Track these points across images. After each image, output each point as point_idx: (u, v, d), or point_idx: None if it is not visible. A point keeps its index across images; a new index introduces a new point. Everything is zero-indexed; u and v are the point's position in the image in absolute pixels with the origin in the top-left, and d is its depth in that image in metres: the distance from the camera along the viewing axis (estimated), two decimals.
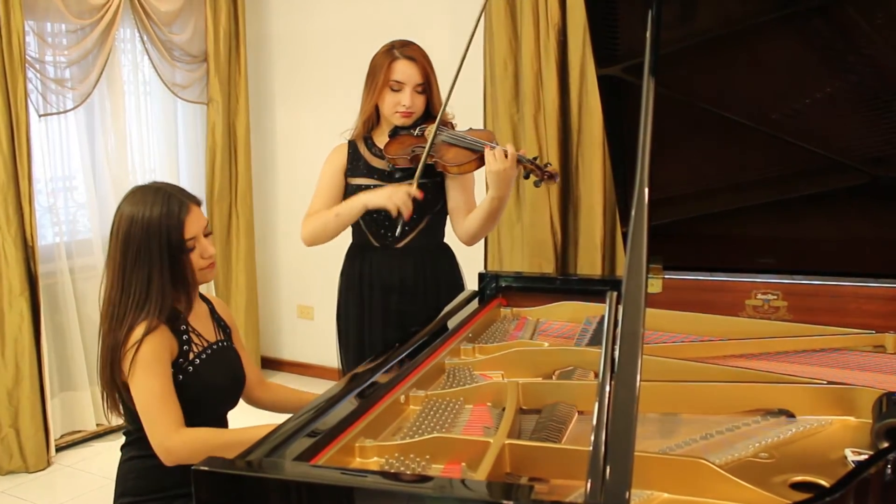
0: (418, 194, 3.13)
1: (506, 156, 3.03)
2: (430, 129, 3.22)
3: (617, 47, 2.62)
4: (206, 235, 2.54)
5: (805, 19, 2.41)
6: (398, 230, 3.17)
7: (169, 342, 2.43)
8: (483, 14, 3.23)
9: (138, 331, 2.38)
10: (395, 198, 3.11)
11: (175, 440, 2.33)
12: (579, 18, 4.41)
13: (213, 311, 2.71)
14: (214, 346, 2.59)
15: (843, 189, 2.78)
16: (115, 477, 2.55)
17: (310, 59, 5.91)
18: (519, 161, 3.08)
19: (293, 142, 6.10)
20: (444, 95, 3.31)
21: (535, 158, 3.10)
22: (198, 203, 2.54)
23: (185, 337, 2.49)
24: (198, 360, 2.50)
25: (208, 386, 2.51)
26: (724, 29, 2.48)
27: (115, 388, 2.44)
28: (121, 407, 2.48)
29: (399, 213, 3.11)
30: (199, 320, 2.60)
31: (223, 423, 2.66)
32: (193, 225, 2.48)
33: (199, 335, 2.55)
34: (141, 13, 5.15)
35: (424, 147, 3.19)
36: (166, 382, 2.38)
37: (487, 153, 3.05)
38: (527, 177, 3.12)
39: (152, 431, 2.36)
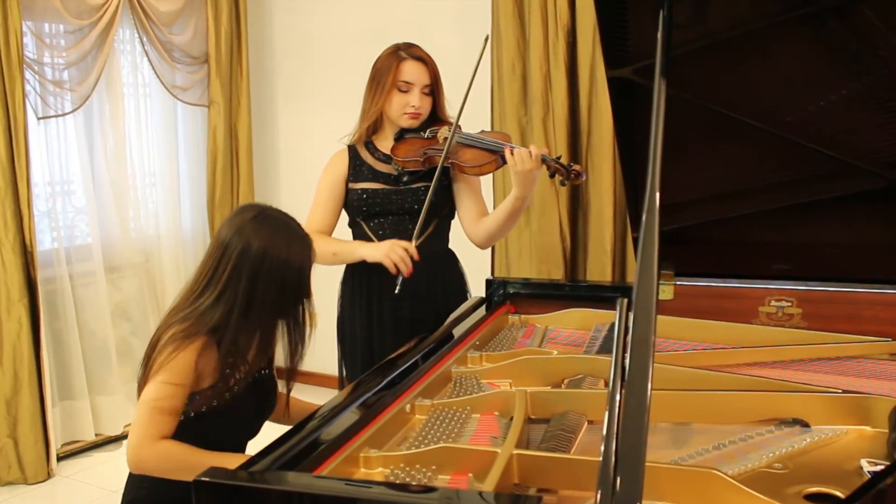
0: (416, 255, 3.12)
1: (531, 156, 3.04)
2: (443, 131, 3.24)
3: (627, 48, 2.62)
4: None
5: (820, 20, 2.41)
6: (397, 288, 3.12)
7: (206, 368, 2.38)
8: (485, 46, 3.23)
9: (197, 343, 2.34)
10: (393, 255, 3.11)
11: (150, 450, 2.29)
12: (589, 19, 4.41)
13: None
14: (256, 375, 2.54)
15: (859, 193, 2.77)
16: (115, 488, 2.55)
17: (313, 61, 5.93)
18: (544, 160, 3.10)
19: (296, 145, 6.11)
20: (447, 97, 3.33)
21: (559, 158, 3.12)
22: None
23: (230, 360, 2.41)
24: (236, 388, 2.45)
25: (237, 417, 2.47)
26: (737, 30, 2.48)
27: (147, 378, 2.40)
28: None
29: (398, 270, 3.11)
30: (252, 346, 2.53)
31: (242, 448, 2.59)
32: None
33: (246, 363, 2.48)
34: (140, 13, 5.16)
35: (437, 149, 3.20)
36: (176, 399, 2.33)
37: (512, 154, 3.06)
38: (552, 176, 3.15)
39: (134, 432, 2.32)
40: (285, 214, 2.50)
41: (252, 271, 2.35)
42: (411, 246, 3.11)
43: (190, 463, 2.24)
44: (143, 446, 2.31)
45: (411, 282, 3.19)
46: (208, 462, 2.16)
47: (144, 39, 5.27)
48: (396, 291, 3.11)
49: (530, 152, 3.05)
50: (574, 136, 4.60)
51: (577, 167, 3.12)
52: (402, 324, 3.29)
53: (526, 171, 3.06)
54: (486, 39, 3.23)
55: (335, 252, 3.28)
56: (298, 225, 2.49)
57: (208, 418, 2.40)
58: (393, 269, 3.11)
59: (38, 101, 4.73)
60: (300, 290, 2.42)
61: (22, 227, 4.55)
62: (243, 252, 2.35)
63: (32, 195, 4.63)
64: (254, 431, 2.61)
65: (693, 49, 2.51)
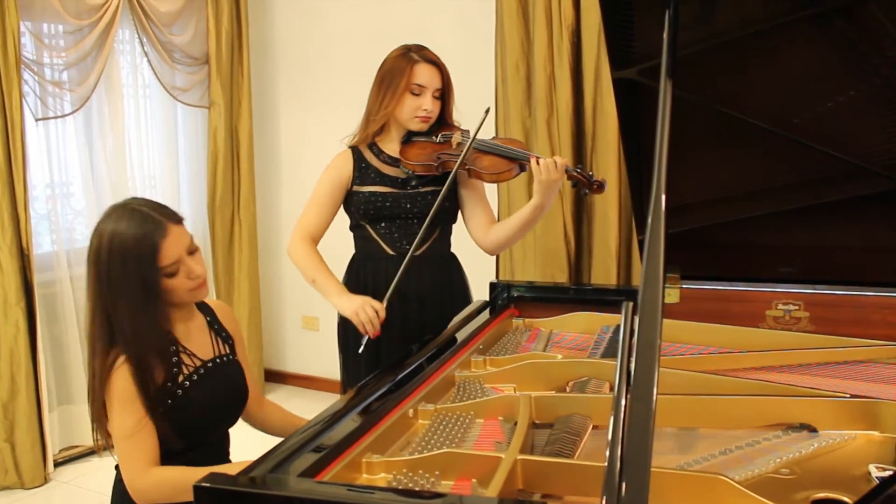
0: (383, 317, 3.07)
1: (556, 166, 3.06)
2: (457, 136, 3.24)
3: (633, 49, 2.63)
4: (191, 254, 2.42)
5: (827, 20, 2.42)
6: (361, 348, 3.09)
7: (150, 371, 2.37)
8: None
9: (119, 364, 2.31)
10: (362, 314, 3.07)
11: (145, 481, 2.31)
12: (594, 19, 4.41)
13: (212, 322, 2.63)
14: (209, 364, 2.52)
15: (867, 196, 2.77)
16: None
17: (315, 61, 5.93)
18: (566, 171, 3.12)
19: (298, 147, 6.12)
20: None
21: (580, 168, 3.13)
22: (178, 221, 2.41)
23: (174, 359, 2.42)
24: (188, 383, 2.42)
25: (202, 407, 2.45)
26: (744, 30, 2.49)
27: (104, 415, 2.39)
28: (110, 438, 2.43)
29: (366, 331, 3.08)
30: (193, 337, 2.52)
31: (223, 441, 2.62)
32: (173, 248, 2.35)
33: (191, 355, 2.47)
34: (140, 14, 5.17)
35: (452, 154, 3.21)
36: (139, 418, 2.31)
37: (538, 163, 3.07)
38: (574, 186, 3.17)
39: (124, 469, 2.34)
40: (135, 200, 2.43)
41: (99, 263, 2.33)
42: (381, 308, 3.07)
43: (188, 483, 2.22)
44: (137, 480, 2.32)
45: (417, 285, 3.19)
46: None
47: (144, 40, 5.28)
48: (360, 351, 3.10)
49: (556, 162, 3.06)
50: (579, 138, 4.60)
51: (599, 178, 3.13)
52: (409, 327, 3.29)
53: (551, 181, 3.07)
54: (487, 112, 3.21)
55: (315, 280, 3.28)
56: (148, 205, 2.40)
57: (175, 416, 2.39)
58: (361, 330, 3.08)
59: (36, 102, 4.74)
60: (147, 276, 2.32)
61: (19, 229, 4.55)
62: (94, 251, 2.35)
63: (30, 197, 4.65)
64: (230, 419, 2.61)
65: (699, 50, 2.52)
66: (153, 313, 2.36)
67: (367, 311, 3.05)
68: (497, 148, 3.20)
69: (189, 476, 2.27)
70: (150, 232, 2.31)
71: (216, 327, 2.63)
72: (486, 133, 3.21)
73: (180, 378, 2.42)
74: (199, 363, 2.49)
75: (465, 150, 3.15)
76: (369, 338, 3.07)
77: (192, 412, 2.42)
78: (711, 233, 3.00)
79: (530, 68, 4.67)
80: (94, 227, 2.36)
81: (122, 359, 2.32)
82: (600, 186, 3.13)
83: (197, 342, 2.53)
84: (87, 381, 2.42)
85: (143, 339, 2.34)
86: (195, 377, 2.46)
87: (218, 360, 2.56)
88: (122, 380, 2.31)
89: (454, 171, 3.14)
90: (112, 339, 2.34)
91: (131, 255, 2.29)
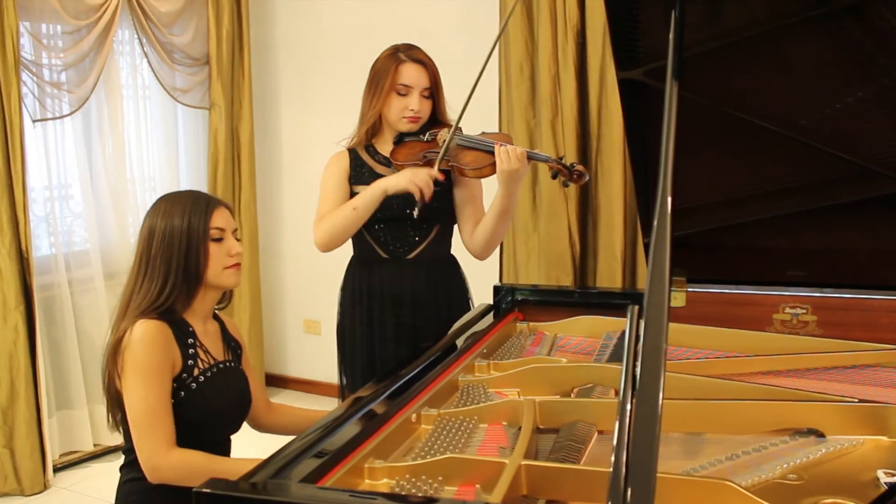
0: (440, 176, 3.14)
1: (516, 154, 3.06)
2: (443, 134, 3.24)
3: (638, 50, 2.63)
4: (234, 235, 2.58)
5: (836, 20, 2.41)
6: (416, 211, 3.15)
7: (172, 353, 2.43)
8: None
9: (139, 327, 2.40)
10: (417, 179, 3.12)
11: (165, 460, 2.33)
12: (599, 19, 4.42)
13: (223, 330, 2.70)
14: (221, 366, 2.58)
15: (875, 198, 2.77)
16: (113, 499, 2.55)
17: (317, 62, 5.94)
18: (531, 158, 3.12)
19: (299, 149, 6.12)
20: (451, 98, 3.34)
21: (561, 158, 3.12)
22: (229, 207, 2.59)
23: (191, 351, 2.49)
24: (202, 378, 2.49)
25: (211, 406, 2.49)
26: (751, 30, 2.49)
27: (116, 400, 2.44)
28: (122, 425, 2.48)
29: (421, 195, 3.12)
30: (209, 338, 2.60)
31: (225, 447, 2.64)
32: (223, 217, 2.54)
33: (206, 352, 2.54)
34: (140, 14, 5.18)
35: (437, 151, 3.21)
36: (163, 395, 2.38)
37: (498, 151, 3.07)
38: (555, 177, 3.15)
39: (141, 445, 2.36)
40: (179, 191, 2.66)
41: (148, 230, 2.50)
42: (433, 170, 3.14)
43: (209, 469, 2.24)
44: (157, 456, 2.34)
45: (412, 288, 3.20)
46: (227, 468, 2.25)
47: (144, 40, 5.29)
48: (417, 215, 3.16)
49: (516, 150, 3.07)
50: (584, 139, 4.61)
51: (579, 167, 3.11)
52: (404, 331, 3.30)
53: (511, 170, 3.07)
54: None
55: (355, 206, 3.23)
56: (192, 192, 2.61)
57: (183, 411, 2.43)
58: (417, 194, 3.12)
59: (35, 103, 4.75)
60: (193, 228, 2.48)
61: (18, 232, 4.56)
62: (145, 222, 2.53)
63: (29, 200, 4.65)
64: (234, 426, 2.65)
65: (705, 50, 2.52)
66: (190, 273, 2.49)
67: (420, 177, 3.13)
68: (479, 143, 3.20)
69: (212, 464, 2.32)
70: (206, 198, 2.56)
71: (226, 336, 2.70)
72: (491, 129, 3.21)
73: (195, 371, 2.48)
74: (213, 361, 2.56)
75: (444, 146, 3.17)
76: (425, 202, 3.14)
77: (200, 410, 2.46)
78: (718, 236, 3.00)
79: (534, 69, 4.68)
80: (145, 219, 2.55)
81: (153, 322, 2.42)
82: (580, 176, 3.09)
83: (211, 343, 2.60)
84: (103, 360, 2.49)
85: (178, 299, 2.50)
86: (209, 374, 2.52)
87: (228, 364, 2.62)
88: (146, 351, 2.37)
89: (436, 166, 3.15)
90: (142, 300, 2.47)
91: (181, 214, 2.48)
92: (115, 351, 2.42)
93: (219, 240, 2.51)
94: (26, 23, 4.69)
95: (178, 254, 2.45)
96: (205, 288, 2.54)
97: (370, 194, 3.21)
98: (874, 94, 2.55)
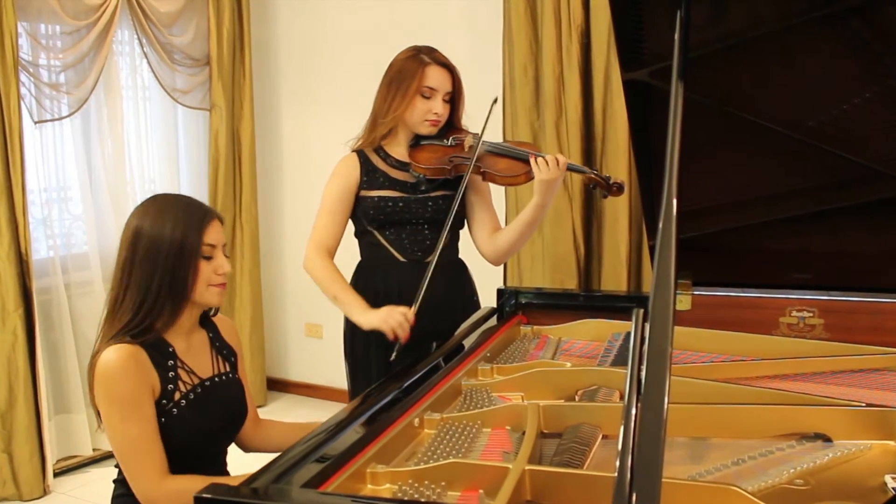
0: (412, 321, 3.07)
1: (557, 164, 3.08)
2: (469, 139, 3.24)
3: (643, 50, 2.63)
4: (224, 253, 2.48)
5: (842, 20, 2.41)
6: (393, 355, 3.09)
7: (149, 379, 2.34)
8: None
9: (109, 354, 2.31)
10: (391, 321, 3.07)
11: (161, 492, 2.29)
12: (603, 20, 4.42)
13: (214, 339, 2.62)
14: (207, 383, 2.49)
15: (883, 200, 2.77)
16: None
17: (319, 63, 5.94)
18: (571, 169, 3.16)
19: (301, 150, 6.13)
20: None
21: (594, 169, 3.15)
22: (221, 219, 2.49)
23: (170, 374, 2.39)
24: (184, 402, 2.40)
25: (195, 429, 2.42)
26: (757, 31, 2.49)
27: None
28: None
29: (396, 337, 3.07)
30: (194, 353, 2.51)
31: (218, 461, 2.60)
32: (215, 233, 2.42)
33: (189, 372, 2.45)
34: (139, 14, 5.18)
35: (465, 157, 3.21)
36: (144, 426, 2.30)
37: (537, 161, 3.10)
38: (593, 188, 3.20)
39: (134, 481, 2.31)
40: (170, 195, 2.53)
41: (134, 235, 2.39)
42: (410, 312, 3.08)
43: None
44: (151, 490, 2.30)
45: (429, 293, 3.19)
46: None
47: (144, 41, 5.29)
48: (392, 359, 3.09)
49: (556, 160, 3.08)
50: (588, 141, 4.60)
51: (618, 180, 3.14)
52: (420, 337, 3.28)
53: (551, 179, 3.09)
54: (495, 101, 3.24)
55: (336, 297, 3.26)
56: (183, 199, 2.48)
57: (166, 436, 2.36)
58: (391, 336, 3.08)
59: (33, 104, 4.75)
60: (185, 243, 2.37)
61: (17, 235, 4.56)
62: (130, 226, 2.41)
63: (28, 202, 4.65)
64: (225, 441, 2.60)
65: (711, 51, 2.52)
66: (175, 290, 2.39)
67: (395, 317, 3.06)
68: (511, 150, 3.22)
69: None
70: (200, 208, 2.43)
71: (218, 345, 2.62)
72: (495, 132, 3.22)
73: (176, 395, 2.40)
74: (196, 381, 2.47)
75: (476, 150, 3.17)
76: (400, 344, 3.07)
77: (184, 434, 2.40)
78: (724, 238, 3.00)
79: (539, 70, 4.68)
80: (133, 211, 2.45)
81: (128, 347, 2.32)
82: (619, 188, 3.14)
83: (196, 359, 2.51)
84: (89, 363, 2.41)
85: (158, 316, 2.39)
86: (192, 396, 2.43)
87: (217, 379, 2.55)
88: (118, 380, 2.29)
89: (467, 173, 3.15)
90: (122, 317, 2.38)
91: (172, 225, 2.37)
92: (91, 373, 2.36)
93: (209, 257, 2.42)
94: (24, 23, 4.69)
95: (164, 267, 2.35)
96: (190, 305, 2.45)
97: (344, 307, 3.24)
98: (881, 94, 2.55)
